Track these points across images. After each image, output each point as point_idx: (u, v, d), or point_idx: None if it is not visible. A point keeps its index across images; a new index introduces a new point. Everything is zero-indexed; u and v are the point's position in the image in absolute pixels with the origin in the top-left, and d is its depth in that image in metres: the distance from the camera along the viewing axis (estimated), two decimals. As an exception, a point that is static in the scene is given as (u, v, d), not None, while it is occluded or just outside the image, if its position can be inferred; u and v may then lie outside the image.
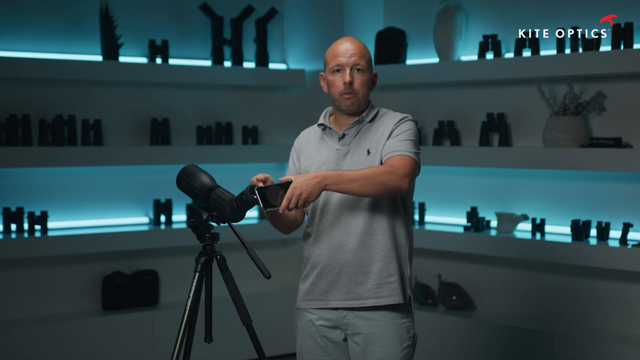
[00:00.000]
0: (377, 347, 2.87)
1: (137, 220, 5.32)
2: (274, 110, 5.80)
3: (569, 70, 4.46)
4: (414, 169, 2.83)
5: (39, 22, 4.99)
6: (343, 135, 2.93)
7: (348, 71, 2.86)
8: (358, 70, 2.87)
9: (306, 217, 3.02)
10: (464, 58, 5.09)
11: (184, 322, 2.79)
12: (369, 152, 2.89)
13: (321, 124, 2.98)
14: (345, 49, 2.87)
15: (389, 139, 2.88)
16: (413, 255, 3.02)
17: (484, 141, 4.90)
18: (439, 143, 5.10)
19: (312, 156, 2.97)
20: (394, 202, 2.90)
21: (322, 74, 2.96)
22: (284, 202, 2.67)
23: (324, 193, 2.88)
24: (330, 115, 3.00)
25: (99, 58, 5.06)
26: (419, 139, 5.19)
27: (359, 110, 2.92)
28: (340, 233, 2.88)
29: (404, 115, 2.94)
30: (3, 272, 4.88)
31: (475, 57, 4.98)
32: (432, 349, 4.94)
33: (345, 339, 2.94)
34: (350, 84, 2.86)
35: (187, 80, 5.28)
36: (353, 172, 2.75)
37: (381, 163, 2.87)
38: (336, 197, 2.89)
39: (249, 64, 5.58)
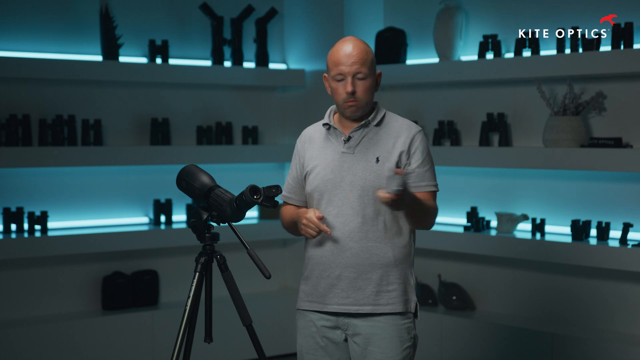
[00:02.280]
0: (377, 348, 2.86)
1: (137, 220, 5.32)
2: (274, 110, 5.80)
3: (569, 70, 4.45)
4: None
5: (39, 22, 4.98)
6: (349, 138, 2.90)
7: (350, 80, 2.83)
8: (360, 78, 2.84)
9: None
10: (464, 58, 5.09)
11: (184, 322, 2.79)
12: (377, 160, 2.86)
13: (326, 124, 2.95)
14: (346, 55, 2.83)
15: (412, 161, 2.87)
16: (414, 259, 3.02)
17: (484, 141, 4.90)
18: (439, 143, 5.10)
19: (316, 156, 2.94)
20: (399, 211, 2.89)
21: (326, 75, 2.93)
22: (390, 196, 2.68)
23: (329, 193, 2.88)
24: (334, 114, 2.98)
25: (99, 58, 5.06)
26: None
27: (363, 114, 2.90)
28: (344, 237, 2.86)
29: (417, 128, 2.93)
30: (3, 272, 4.88)
31: (475, 57, 4.98)
32: (432, 349, 4.94)
33: (345, 339, 2.93)
34: (353, 93, 2.84)
35: (187, 80, 5.28)
36: (424, 206, 2.84)
37: (404, 181, 2.87)
38: (340, 200, 2.87)
39: (249, 64, 5.58)
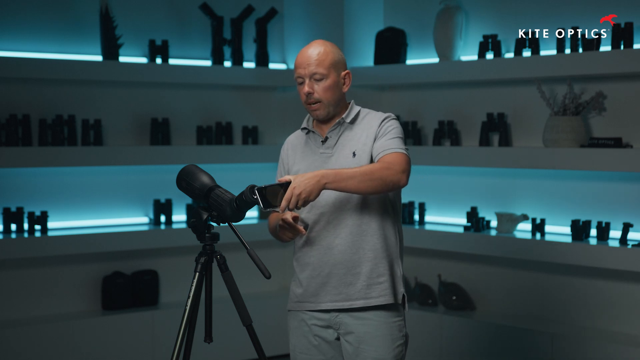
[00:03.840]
0: (370, 346, 2.87)
1: (137, 220, 5.32)
2: (274, 110, 5.80)
3: (569, 70, 4.45)
4: (409, 165, 2.85)
5: (39, 22, 4.98)
6: (326, 139, 2.93)
7: (307, 82, 2.87)
8: (317, 79, 2.87)
9: None
10: (464, 58, 5.09)
11: (184, 322, 2.79)
12: (354, 154, 2.88)
13: (304, 128, 2.99)
14: (303, 59, 2.89)
15: (377, 140, 2.88)
16: (404, 254, 3.03)
17: (484, 141, 4.90)
18: (439, 143, 5.10)
19: (299, 161, 2.98)
20: (383, 202, 2.90)
21: None
22: (284, 202, 2.67)
23: None
24: (313, 119, 3.01)
25: (99, 58, 5.06)
26: (419, 138, 5.22)
27: (331, 115, 2.92)
28: (329, 235, 2.88)
29: (387, 114, 2.94)
30: (3, 272, 4.88)
31: (475, 57, 4.98)
32: (432, 349, 4.94)
33: (337, 338, 2.94)
34: (310, 94, 2.87)
35: (187, 80, 5.28)
36: (351, 170, 2.75)
37: (372, 161, 2.87)
38: (324, 198, 2.89)
39: (249, 64, 5.58)
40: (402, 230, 3.01)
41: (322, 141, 2.94)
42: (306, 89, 2.87)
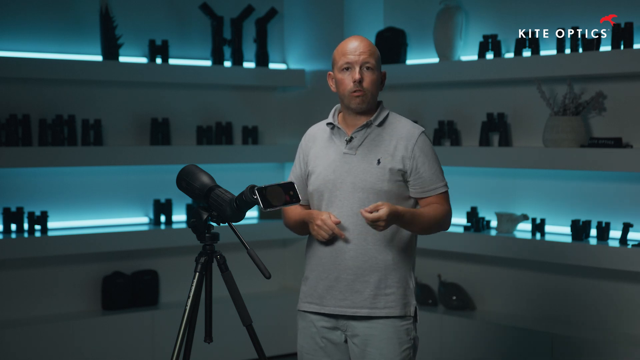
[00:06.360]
0: (375, 349, 2.86)
1: (137, 220, 5.32)
2: (274, 110, 5.80)
3: (569, 70, 4.45)
4: None
5: (39, 22, 4.98)
6: (351, 139, 2.90)
7: (357, 69, 2.83)
8: (367, 68, 2.84)
9: None
10: (464, 58, 5.09)
11: (184, 322, 2.79)
12: (379, 162, 2.85)
13: (330, 123, 2.95)
14: (354, 47, 2.85)
15: (419, 167, 2.85)
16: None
17: (484, 141, 4.90)
18: (439, 143, 5.10)
19: (319, 156, 2.94)
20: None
21: (330, 73, 2.93)
22: (369, 215, 2.68)
23: (329, 194, 2.88)
24: (339, 113, 2.97)
25: (99, 58, 5.06)
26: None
27: (368, 109, 2.89)
28: (343, 239, 2.87)
29: (418, 131, 2.91)
30: (3, 272, 4.88)
31: (475, 57, 4.98)
32: (432, 349, 4.94)
33: (346, 340, 2.93)
34: (360, 82, 2.84)
35: (187, 80, 5.28)
36: (426, 220, 2.81)
37: (403, 179, 2.86)
38: (340, 201, 2.87)
39: (249, 64, 5.58)
40: (416, 242, 3.00)
41: (346, 140, 2.91)
42: (358, 75, 2.83)
